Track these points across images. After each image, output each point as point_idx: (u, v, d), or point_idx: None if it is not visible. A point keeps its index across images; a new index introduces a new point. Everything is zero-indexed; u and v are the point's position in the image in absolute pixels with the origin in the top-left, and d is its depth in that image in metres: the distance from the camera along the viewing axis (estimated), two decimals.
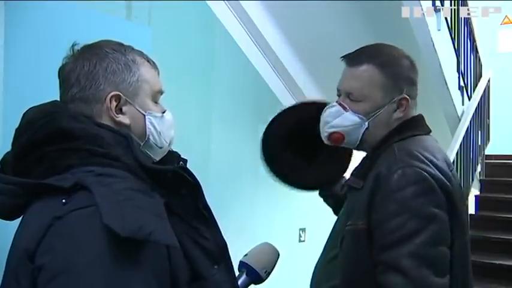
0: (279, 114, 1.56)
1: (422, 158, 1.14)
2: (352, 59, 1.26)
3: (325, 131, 1.28)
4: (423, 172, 1.11)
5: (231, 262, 0.97)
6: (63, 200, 0.78)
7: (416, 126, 1.25)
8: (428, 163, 1.13)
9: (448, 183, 1.13)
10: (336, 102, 1.27)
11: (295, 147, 1.57)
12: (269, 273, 1.28)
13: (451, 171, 1.18)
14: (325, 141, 1.30)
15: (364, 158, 1.29)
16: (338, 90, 1.29)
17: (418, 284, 1.05)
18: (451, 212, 1.12)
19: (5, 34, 1.78)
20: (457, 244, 1.13)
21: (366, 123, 1.22)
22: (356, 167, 1.29)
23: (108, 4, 2.26)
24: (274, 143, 1.56)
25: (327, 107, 1.29)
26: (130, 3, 2.39)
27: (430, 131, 1.29)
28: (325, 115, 1.28)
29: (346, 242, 1.20)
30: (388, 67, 1.22)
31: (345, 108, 1.24)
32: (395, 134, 1.22)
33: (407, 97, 1.23)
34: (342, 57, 1.27)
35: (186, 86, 2.78)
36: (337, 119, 1.25)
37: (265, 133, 1.57)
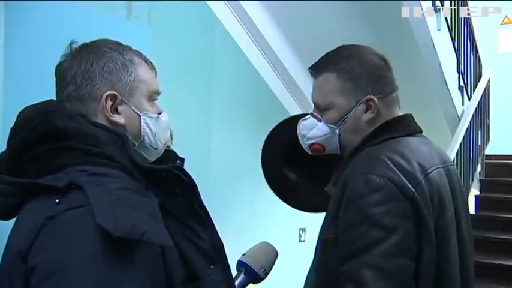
0: (275, 129, 1.57)
1: (389, 163, 1.09)
2: (313, 70, 1.26)
3: (304, 143, 1.30)
4: (386, 179, 1.06)
5: (228, 262, 0.96)
6: (57, 200, 0.78)
7: (396, 128, 1.20)
8: (395, 169, 1.08)
9: (413, 190, 1.06)
10: (310, 114, 1.28)
11: (297, 167, 1.57)
12: (267, 273, 1.28)
13: (425, 176, 1.11)
14: (308, 152, 1.30)
15: (340, 165, 1.27)
16: None
17: None
18: (418, 221, 1.06)
19: (5, 34, 1.78)
20: (425, 254, 1.06)
21: (337, 130, 1.22)
22: (334, 174, 1.27)
23: (108, 4, 2.26)
24: (274, 162, 1.56)
25: (301, 119, 1.30)
26: (130, 3, 2.39)
27: (418, 132, 1.24)
28: (300, 128, 1.29)
29: (319, 250, 1.19)
30: (345, 71, 1.20)
31: (318, 119, 1.25)
32: (371, 139, 1.19)
33: (374, 97, 1.19)
34: (308, 69, 1.28)
35: (186, 86, 2.78)
36: (312, 131, 1.26)
37: (263, 150, 1.57)
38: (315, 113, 1.27)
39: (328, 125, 1.23)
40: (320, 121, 1.24)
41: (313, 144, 1.27)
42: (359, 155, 1.17)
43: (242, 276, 1.24)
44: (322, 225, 1.22)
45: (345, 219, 1.08)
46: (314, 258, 1.33)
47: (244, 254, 1.29)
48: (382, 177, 1.06)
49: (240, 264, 1.26)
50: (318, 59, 1.27)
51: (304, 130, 1.28)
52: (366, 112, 1.20)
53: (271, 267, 1.29)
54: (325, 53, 1.27)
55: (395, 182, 1.06)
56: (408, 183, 1.07)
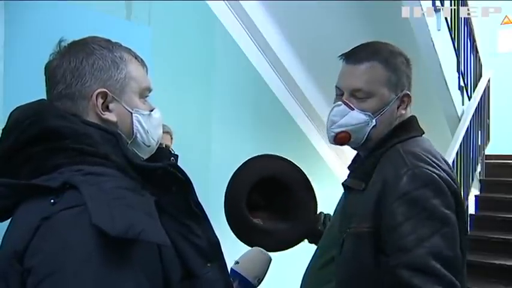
0: (238, 173, 1.59)
1: (429, 160, 1.13)
2: (354, 56, 1.23)
3: (331, 130, 1.24)
4: (433, 174, 1.10)
5: (225, 261, 0.96)
6: (52, 200, 0.77)
7: (413, 127, 1.24)
8: (435, 165, 1.13)
9: (454, 184, 1.13)
10: (341, 101, 1.23)
11: (260, 208, 1.57)
12: (261, 281, 1.28)
13: (451, 172, 1.18)
14: (331, 142, 1.27)
15: (361, 158, 1.27)
16: (338, 88, 1.25)
17: (449, 284, 1.03)
18: (457, 213, 1.12)
19: (5, 34, 1.78)
20: (462, 243, 1.12)
21: (374, 120, 1.20)
22: (354, 168, 1.27)
23: (108, 4, 2.26)
24: (236, 207, 1.54)
25: (334, 105, 1.25)
26: (130, 3, 2.39)
27: (423, 133, 1.28)
28: (332, 114, 1.24)
29: (347, 244, 1.17)
30: (390, 63, 1.21)
31: (350, 107, 1.21)
32: (395, 135, 1.21)
33: (409, 93, 1.23)
34: (341, 55, 1.25)
35: (186, 86, 2.78)
36: (344, 118, 1.21)
37: (226, 196, 1.56)
38: (346, 101, 1.22)
39: (367, 113, 1.20)
40: (352, 109, 1.21)
41: (341, 132, 1.23)
42: (393, 152, 1.18)
43: (236, 285, 1.23)
44: (345, 220, 1.22)
45: (395, 215, 1.10)
46: (314, 257, 1.32)
47: (237, 263, 1.28)
48: (429, 173, 1.11)
49: (234, 274, 1.24)
50: (353, 48, 1.25)
51: (336, 116, 1.23)
52: (398, 108, 1.23)
53: (265, 274, 1.29)
54: (360, 44, 1.26)
55: (441, 177, 1.11)
56: (449, 179, 1.13)
